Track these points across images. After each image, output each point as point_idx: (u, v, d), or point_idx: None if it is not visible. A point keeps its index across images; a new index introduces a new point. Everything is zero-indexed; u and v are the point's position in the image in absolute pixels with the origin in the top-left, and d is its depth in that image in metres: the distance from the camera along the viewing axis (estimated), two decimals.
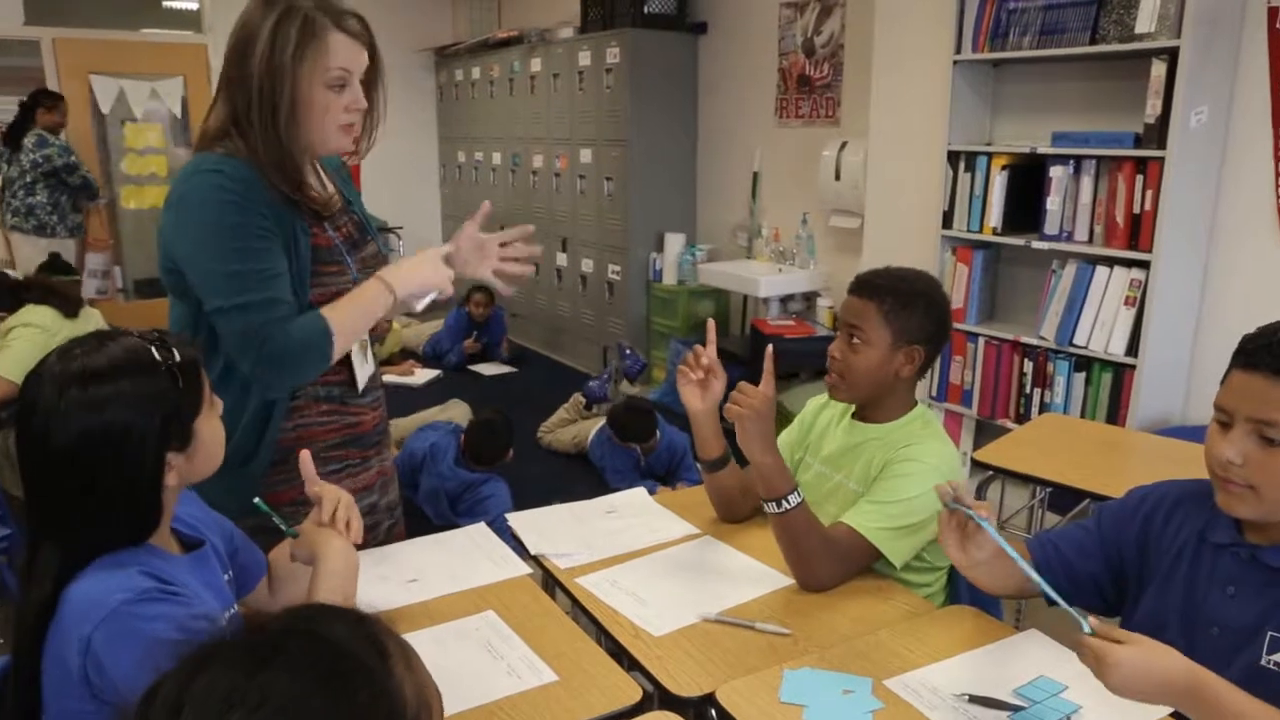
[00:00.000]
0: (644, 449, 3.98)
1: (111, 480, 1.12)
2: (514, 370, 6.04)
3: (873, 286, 1.71)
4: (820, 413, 1.94)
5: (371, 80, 1.63)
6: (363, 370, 1.73)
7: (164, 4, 6.94)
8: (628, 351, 5.17)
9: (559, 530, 1.85)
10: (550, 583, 1.71)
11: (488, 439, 3.58)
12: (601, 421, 4.24)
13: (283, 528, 1.37)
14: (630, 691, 1.33)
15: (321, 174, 1.73)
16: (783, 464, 1.63)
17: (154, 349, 1.16)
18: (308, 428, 1.67)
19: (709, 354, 1.72)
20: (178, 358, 1.17)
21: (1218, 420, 1.26)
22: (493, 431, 3.60)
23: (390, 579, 1.66)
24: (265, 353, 1.49)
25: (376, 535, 1.80)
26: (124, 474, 1.12)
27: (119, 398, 1.10)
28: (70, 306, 3.26)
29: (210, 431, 1.22)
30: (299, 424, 1.65)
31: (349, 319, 1.58)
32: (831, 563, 1.62)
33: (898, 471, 1.68)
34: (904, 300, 1.70)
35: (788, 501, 1.59)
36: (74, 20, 6.47)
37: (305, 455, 1.39)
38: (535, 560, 1.75)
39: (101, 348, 1.14)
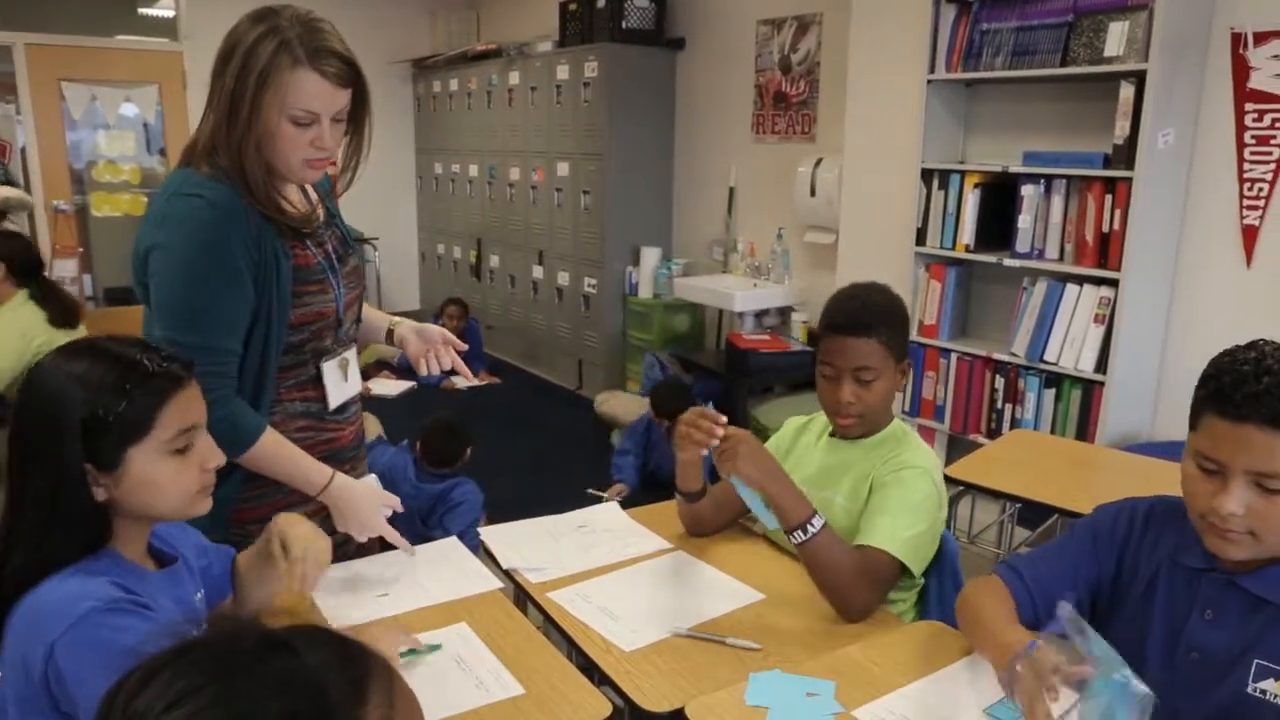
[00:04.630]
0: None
1: (39, 461, 1.11)
2: (487, 383, 6.01)
3: (865, 324, 1.69)
4: (799, 437, 1.94)
5: (357, 118, 1.58)
6: (339, 390, 1.71)
7: (139, 11, 6.89)
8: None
9: (531, 544, 1.84)
10: (522, 597, 1.70)
11: (447, 438, 3.51)
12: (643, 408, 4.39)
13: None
14: (599, 706, 1.32)
15: (307, 186, 1.71)
16: (796, 488, 1.61)
17: (140, 359, 1.14)
18: None
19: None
20: (135, 380, 1.13)
21: (1202, 468, 1.21)
22: (450, 430, 3.54)
23: (360, 593, 1.64)
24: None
25: (347, 551, 1.79)
26: (47, 455, 1.11)
27: (63, 377, 1.12)
28: (66, 318, 3.21)
29: (150, 471, 1.15)
30: None
31: (274, 458, 1.56)
32: (868, 588, 1.59)
33: (896, 480, 1.68)
34: (894, 325, 1.72)
35: (812, 525, 1.56)
36: (47, 26, 6.40)
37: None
38: (507, 574, 1.74)
39: (103, 341, 1.18)
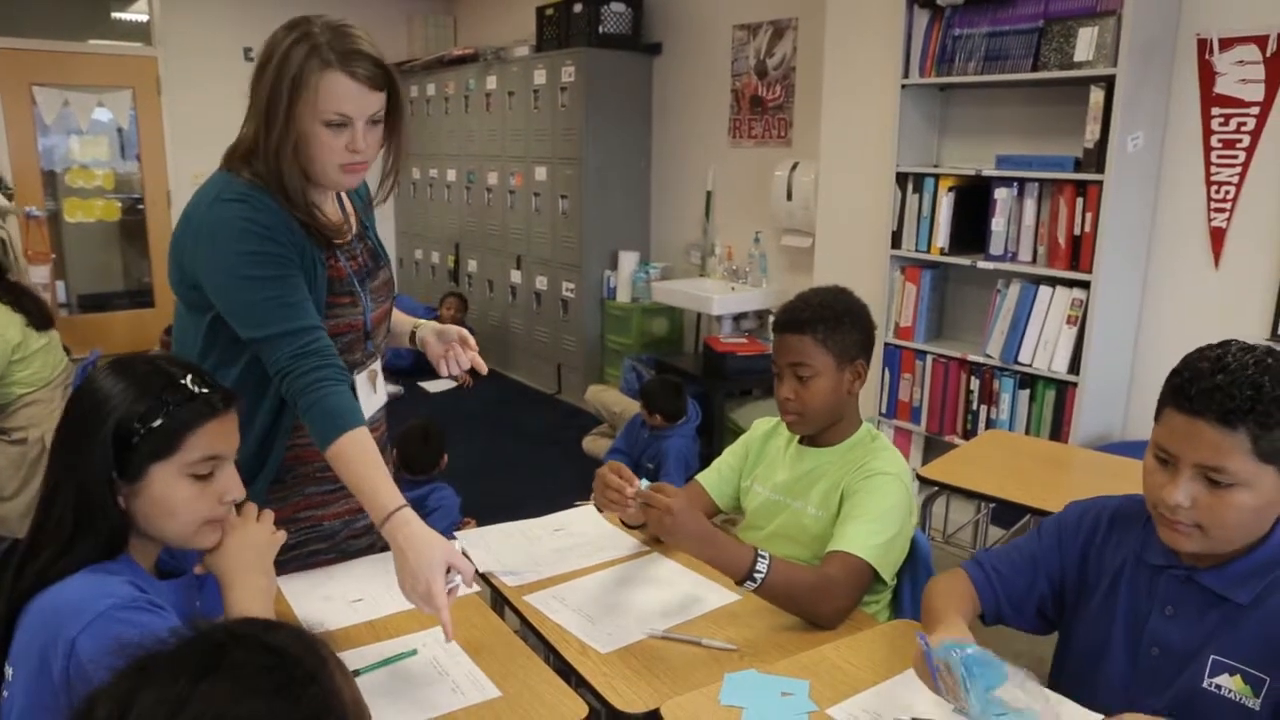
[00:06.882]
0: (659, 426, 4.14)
1: (73, 461, 1.16)
2: (457, 385, 5.78)
3: (801, 321, 1.74)
4: (768, 441, 1.95)
5: (392, 121, 1.58)
6: (369, 401, 1.70)
7: (113, 15, 6.83)
8: None
9: (507, 548, 1.85)
10: (498, 601, 1.70)
11: (421, 446, 3.48)
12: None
13: None
14: (576, 708, 1.32)
15: (343, 199, 1.72)
16: (730, 541, 1.58)
17: (184, 381, 1.20)
18: (305, 448, 1.66)
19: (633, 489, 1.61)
20: (174, 399, 1.18)
21: (1159, 459, 1.24)
22: (426, 437, 3.52)
23: (335, 599, 1.64)
24: (297, 386, 1.46)
25: (373, 554, 1.80)
26: (80, 457, 1.16)
27: (109, 385, 1.18)
28: (42, 322, 3.18)
29: (167, 492, 1.19)
30: (296, 444, 1.65)
31: (353, 462, 1.43)
32: (836, 598, 1.58)
33: (867, 487, 1.69)
34: (833, 323, 1.73)
35: (759, 571, 1.52)
36: (18, 29, 6.33)
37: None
38: (483, 578, 1.74)
39: (159, 358, 1.25)
